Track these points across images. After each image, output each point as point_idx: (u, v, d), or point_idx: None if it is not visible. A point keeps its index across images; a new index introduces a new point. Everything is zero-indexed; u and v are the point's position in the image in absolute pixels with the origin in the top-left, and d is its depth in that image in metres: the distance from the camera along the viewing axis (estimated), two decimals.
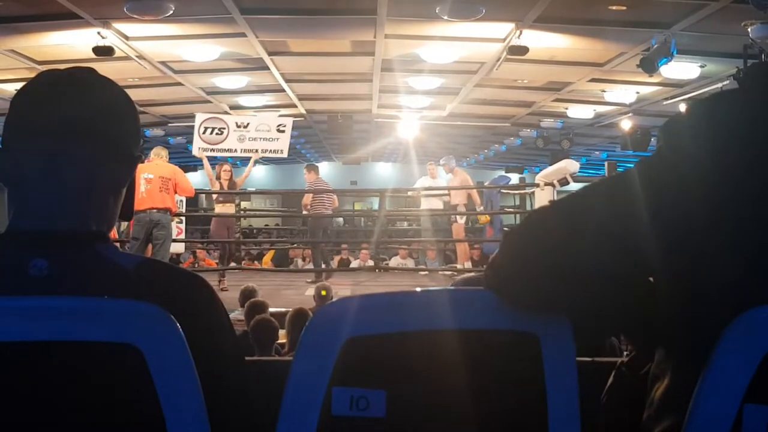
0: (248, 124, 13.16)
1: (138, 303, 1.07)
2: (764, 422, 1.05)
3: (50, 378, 1.04)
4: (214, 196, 11.84)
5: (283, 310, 6.54)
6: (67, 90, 1.24)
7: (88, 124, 1.22)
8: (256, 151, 12.89)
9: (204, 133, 12.93)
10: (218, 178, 11.44)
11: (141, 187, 8.59)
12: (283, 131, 13.24)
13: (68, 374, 1.04)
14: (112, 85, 1.29)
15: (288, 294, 9.63)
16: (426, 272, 12.68)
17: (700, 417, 1.08)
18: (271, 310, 6.23)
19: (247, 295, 7.17)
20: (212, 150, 12.86)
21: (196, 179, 13.81)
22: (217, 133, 12.98)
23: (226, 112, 15.36)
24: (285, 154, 13.68)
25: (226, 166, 11.72)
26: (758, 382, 1.05)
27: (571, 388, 1.17)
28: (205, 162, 12.05)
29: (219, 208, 11.57)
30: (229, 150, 13.11)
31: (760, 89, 1.24)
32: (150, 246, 8.94)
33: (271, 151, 13.30)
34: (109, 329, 1.04)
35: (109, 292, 1.11)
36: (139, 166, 1.36)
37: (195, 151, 12.91)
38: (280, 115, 14.33)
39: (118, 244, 1.30)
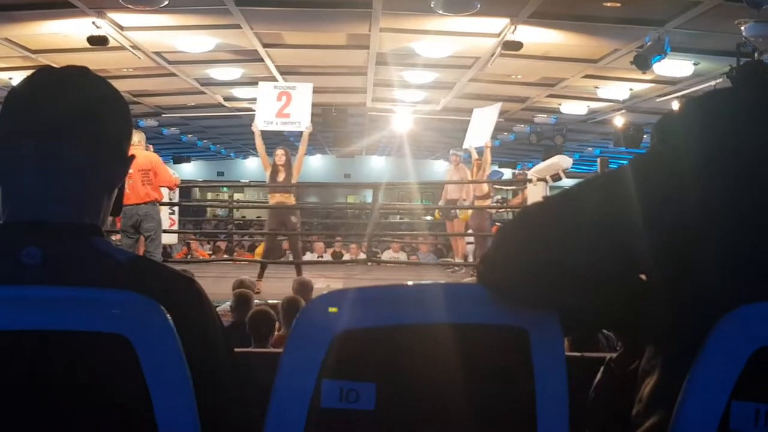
0: None
1: (127, 293, 1.07)
2: (751, 418, 1.05)
3: (39, 367, 1.04)
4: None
5: (273, 302, 6.50)
6: (62, 89, 1.25)
7: (83, 124, 1.23)
8: None
9: None
10: None
11: None
12: None
13: (57, 364, 1.04)
14: (105, 85, 1.30)
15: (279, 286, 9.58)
16: (418, 265, 12.64)
17: (688, 413, 1.08)
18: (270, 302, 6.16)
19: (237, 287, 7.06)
20: None
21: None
22: None
23: (220, 104, 15.31)
24: None
25: None
26: (746, 378, 1.06)
27: (560, 383, 1.18)
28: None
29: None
30: None
31: (753, 87, 1.25)
32: (142, 238, 8.87)
33: None
34: (98, 319, 1.04)
35: (102, 283, 1.11)
36: None
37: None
38: None
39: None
